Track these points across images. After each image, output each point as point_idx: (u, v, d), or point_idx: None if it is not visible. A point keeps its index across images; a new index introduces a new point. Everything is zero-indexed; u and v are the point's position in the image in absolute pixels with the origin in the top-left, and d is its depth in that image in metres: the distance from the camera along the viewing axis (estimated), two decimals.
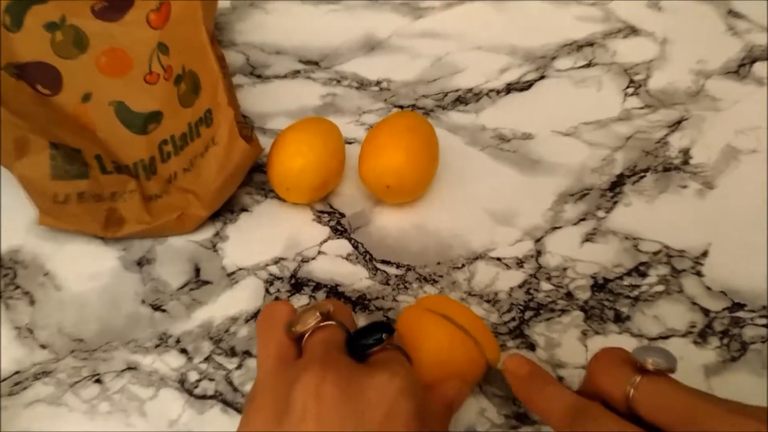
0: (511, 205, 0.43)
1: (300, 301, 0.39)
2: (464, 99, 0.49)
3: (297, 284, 0.40)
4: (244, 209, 0.43)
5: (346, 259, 0.41)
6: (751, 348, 0.37)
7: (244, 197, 0.43)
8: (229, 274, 0.40)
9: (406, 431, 0.25)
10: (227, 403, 0.35)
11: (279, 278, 0.40)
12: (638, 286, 0.39)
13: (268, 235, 0.42)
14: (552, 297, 0.39)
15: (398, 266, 0.40)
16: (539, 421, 0.34)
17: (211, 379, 0.36)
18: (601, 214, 0.43)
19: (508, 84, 0.50)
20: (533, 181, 0.44)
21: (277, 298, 0.39)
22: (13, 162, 0.39)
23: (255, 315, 0.38)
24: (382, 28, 0.53)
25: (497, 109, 0.48)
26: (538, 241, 0.41)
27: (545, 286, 0.39)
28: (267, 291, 0.39)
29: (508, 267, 0.40)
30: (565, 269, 0.40)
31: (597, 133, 0.47)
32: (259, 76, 0.50)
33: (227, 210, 0.42)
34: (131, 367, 0.36)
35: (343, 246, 0.41)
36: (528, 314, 0.38)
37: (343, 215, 0.43)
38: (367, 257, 0.41)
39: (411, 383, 0.26)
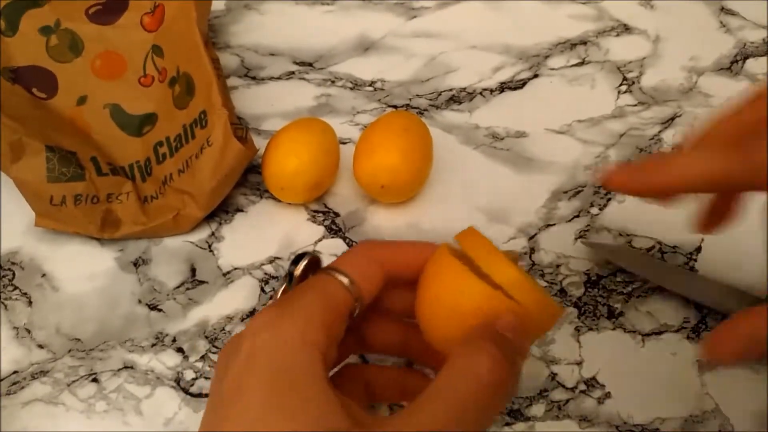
0: (504, 203, 0.43)
1: None
2: (458, 98, 0.49)
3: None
4: (240, 209, 0.43)
5: None
6: None
7: (239, 198, 0.44)
8: (225, 274, 0.40)
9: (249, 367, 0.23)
10: None
11: (274, 277, 0.40)
12: (631, 282, 0.39)
13: (263, 234, 0.42)
14: None
15: None
16: (532, 418, 0.35)
17: (207, 378, 0.36)
18: (594, 210, 0.43)
19: (502, 83, 0.50)
20: (527, 179, 0.44)
21: (271, 297, 0.39)
22: (10, 165, 0.39)
23: (250, 314, 0.39)
24: (376, 29, 0.53)
25: (491, 108, 0.48)
26: (531, 238, 0.41)
27: (539, 282, 0.39)
28: (262, 290, 0.40)
29: None
30: (558, 266, 0.40)
31: (590, 130, 0.47)
32: (253, 78, 0.50)
33: (222, 210, 0.43)
34: (128, 366, 0.37)
35: (337, 245, 0.42)
36: None
37: (337, 215, 0.43)
38: None
39: (270, 316, 0.23)
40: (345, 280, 0.25)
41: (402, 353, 0.30)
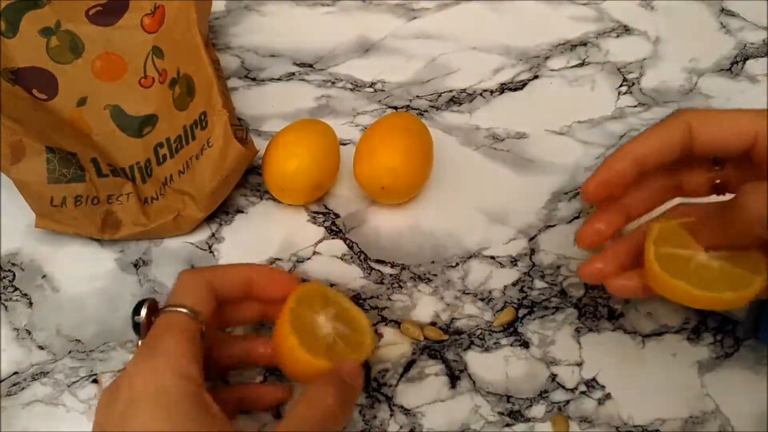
0: (505, 204, 0.43)
1: None
2: (458, 99, 0.49)
3: None
4: (240, 210, 0.43)
5: (341, 259, 0.41)
6: (744, 344, 0.37)
7: (240, 199, 0.44)
8: None
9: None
10: None
11: None
12: None
13: (264, 235, 0.42)
14: (546, 295, 0.39)
15: (392, 265, 0.40)
16: (533, 419, 0.35)
17: (207, 379, 0.36)
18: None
19: (502, 84, 0.50)
20: (527, 180, 0.45)
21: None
22: (10, 166, 0.39)
23: None
24: (376, 30, 0.54)
25: (491, 109, 0.49)
26: (531, 239, 0.41)
27: (539, 284, 0.39)
28: None
29: (501, 265, 0.40)
30: (558, 267, 0.40)
31: (590, 131, 0.47)
32: (254, 79, 0.50)
33: (223, 211, 0.43)
34: None
35: (337, 246, 0.42)
36: (522, 312, 0.38)
37: (337, 216, 0.43)
38: (362, 257, 0.41)
39: (142, 365, 0.27)
40: (187, 311, 0.29)
41: (248, 363, 0.35)
